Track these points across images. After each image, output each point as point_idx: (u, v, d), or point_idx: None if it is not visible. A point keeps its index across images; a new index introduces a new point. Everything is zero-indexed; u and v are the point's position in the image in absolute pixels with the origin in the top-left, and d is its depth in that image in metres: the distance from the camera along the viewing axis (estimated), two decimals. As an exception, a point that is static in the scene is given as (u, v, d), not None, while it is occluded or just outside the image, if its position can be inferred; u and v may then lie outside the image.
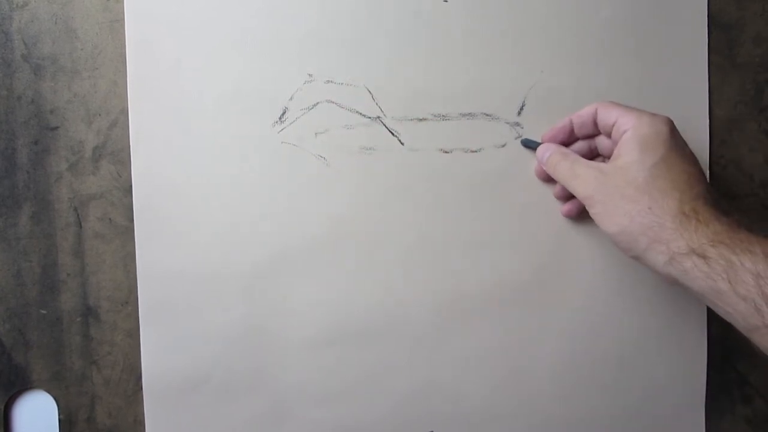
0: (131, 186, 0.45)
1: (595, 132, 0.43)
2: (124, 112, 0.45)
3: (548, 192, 0.46)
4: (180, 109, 0.45)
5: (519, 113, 0.46)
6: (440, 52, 0.46)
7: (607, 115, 0.41)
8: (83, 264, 0.46)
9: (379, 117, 0.46)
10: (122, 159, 0.45)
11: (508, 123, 0.46)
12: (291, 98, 0.45)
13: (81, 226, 0.46)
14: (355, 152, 0.46)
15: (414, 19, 0.45)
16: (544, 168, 0.44)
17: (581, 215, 0.46)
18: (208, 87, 0.45)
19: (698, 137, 0.47)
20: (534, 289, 0.47)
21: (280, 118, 0.45)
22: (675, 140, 0.38)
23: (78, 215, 0.46)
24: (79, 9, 0.45)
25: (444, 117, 0.46)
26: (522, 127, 0.46)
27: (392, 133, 0.46)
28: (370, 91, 0.45)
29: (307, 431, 0.47)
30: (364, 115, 0.46)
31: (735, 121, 0.48)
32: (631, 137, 0.38)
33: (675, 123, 0.46)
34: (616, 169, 0.38)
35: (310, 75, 0.45)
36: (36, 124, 0.45)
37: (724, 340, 0.48)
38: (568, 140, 0.44)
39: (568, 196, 0.45)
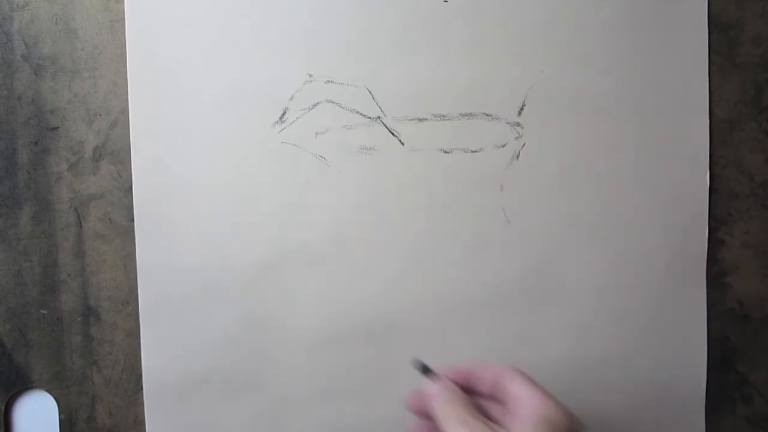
0: (131, 186, 0.45)
1: (490, 394, 0.38)
2: (125, 112, 0.45)
3: (547, 192, 0.46)
4: (180, 109, 0.45)
5: (519, 113, 0.46)
6: (440, 52, 0.46)
7: (514, 385, 0.36)
8: (84, 264, 0.46)
9: (379, 117, 0.46)
10: (122, 159, 0.45)
11: (508, 123, 0.46)
12: (291, 98, 0.45)
13: (81, 226, 0.46)
14: (355, 152, 0.46)
15: (414, 19, 0.45)
16: (430, 402, 0.37)
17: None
18: (209, 87, 0.45)
19: (698, 137, 0.47)
20: (534, 288, 0.47)
21: (280, 118, 0.45)
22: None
23: (78, 215, 0.46)
24: (79, 9, 0.45)
25: (444, 117, 0.46)
26: (522, 127, 0.46)
27: (392, 133, 0.46)
28: (370, 91, 0.46)
29: (308, 431, 0.47)
30: (365, 115, 0.46)
31: (735, 121, 0.48)
32: (539, 417, 0.34)
33: (675, 123, 0.46)
34: None
35: (311, 75, 0.45)
36: (36, 124, 0.45)
37: (724, 340, 0.48)
38: (462, 387, 0.38)
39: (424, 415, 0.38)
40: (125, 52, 0.45)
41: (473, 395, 0.38)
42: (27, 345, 0.46)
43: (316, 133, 0.46)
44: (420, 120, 0.46)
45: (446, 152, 0.46)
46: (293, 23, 0.45)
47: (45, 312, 0.46)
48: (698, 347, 0.48)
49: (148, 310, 0.45)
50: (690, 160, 0.47)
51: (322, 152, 0.46)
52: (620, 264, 0.47)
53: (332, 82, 0.45)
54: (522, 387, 0.36)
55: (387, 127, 0.46)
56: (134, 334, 0.46)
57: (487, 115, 0.46)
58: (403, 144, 0.46)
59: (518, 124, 0.46)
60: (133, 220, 0.45)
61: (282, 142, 0.45)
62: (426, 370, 0.39)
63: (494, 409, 0.38)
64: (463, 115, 0.46)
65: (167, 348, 0.45)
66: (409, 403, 0.40)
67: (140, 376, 0.46)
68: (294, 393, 0.46)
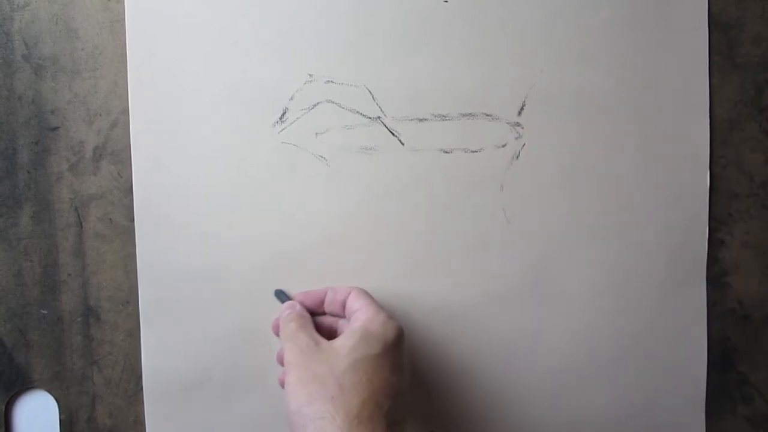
0: (132, 186, 0.45)
1: (340, 313, 0.43)
2: (125, 112, 0.45)
3: (547, 192, 0.46)
4: (180, 109, 0.45)
5: (519, 113, 0.46)
6: (440, 52, 0.46)
7: (354, 302, 0.41)
8: (84, 264, 0.46)
9: (379, 117, 0.46)
10: (123, 159, 0.45)
11: (508, 123, 0.46)
12: (291, 98, 0.45)
13: (81, 226, 0.46)
14: (355, 152, 0.46)
15: (414, 19, 0.45)
16: (280, 324, 0.42)
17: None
18: (209, 87, 0.45)
19: (698, 137, 0.47)
20: (533, 289, 0.47)
21: (280, 118, 0.45)
22: (395, 350, 0.38)
23: (79, 215, 0.46)
24: (79, 9, 0.45)
25: (444, 117, 0.46)
26: (522, 127, 0.46)
27: (392, 134, 0.46)
28: (370, 91, 0.46)
29: (308, 431, 0.47)
30: (365, 115, 0.46)
31: (735, 121, 0.48)
32: (359, 327, 0.38)
33: (675, 123, 0.46)
34: (329, 346, 0.38)
35: (311, 75, 0.45)
36: (36, 124, 0.45)
37: (724, 340, 0.48)
38: (316, 309, 0.44)
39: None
40: (125, 52, 0.45)
41: (326, 314, 0.44)
42: (27, 345, 0.46)
43: (316, 133, 0.46)
44: (420, 120, 0.46)
45: (446, 152, 0.46)
46: (293, 23, 0.45)
47: (45, 312, 0.46)
48: (698, 347, 0.48)
49: (148, 310, 0.45)
50: (690, 160, 0.47)
51: (322, 152, 0.46)
52: (620, 264, 0.47)
53: (332, 82, 0.45)
54: (358, 303, 0.41)
55: (387, 127, 0.46)
56: (134, 334, 0.46)
57: (488, 115, 0.46)
58: (403, 144, 0.46)
59: (518, 124, 0.46)
60: (133, 220, 0.45)
61: (282, 142, 0.45)
62: (282, 296, 0.45)
63: (342, 324, 0.43)
64: (464, 115, 0.46)
65: (167, 348, 0.45)
66: (273, 327, 0.44)
67: (140, 376, 0.46)
68: (294, 393, 0.46)
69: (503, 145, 0.46)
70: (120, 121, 0.45)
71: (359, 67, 0.45)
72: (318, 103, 0.45)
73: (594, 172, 0.47)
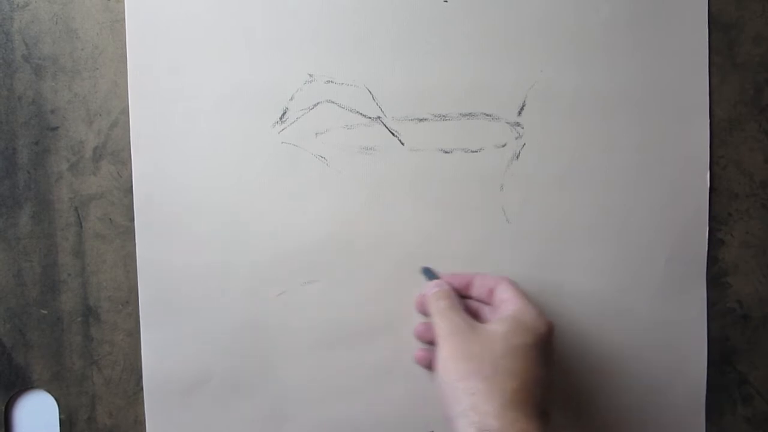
0: (132, 186, 0.45)
1: (487, 300, 0.43)
2: (125, 112, 0.45)
3: (547, 192, 0.46)
4: (180, 109, 0.45)
5: (519, 113, 0.46)
6: (440, 52, 0.46)
7: (504, 292, 0.42)
8: (84, 264, 0.46)
9: (379, 117, 0.46)
10: (123, 159, 0.45)
11: (508, 123, 0.46)
12: (291, 98, 0.45)
13: (81, 226, 0.46)
14: (355, 152, 0.46)
15: (414, 19, 0.45)
16: (426, 300, 0.43)
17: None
18: (209, 87, 0.45)
19: (698, 137, 0.47)
20: (534, 288, 0.47)
21: (280, 118, 0.45)
22: (546, 343, 0.39)
23: (78, 215, 0.46)
24: (79, 9, 0.45)
25: (444, 117, 0.46)
26: (522, 127, 0.46)
27: (392, 133, 0.46)
28: (370, 91, 0.46)
29: (307, 431, 0.47)
30: (365, 115, 0.46)
31: (735, 121, 0.48)
32: (510, 316, 0.39)
33: (675, 123, 0.46)
34: (484, 330, 0.39)
35: (311, 75, 0.45)
36: (36, 124, 0.45)
37: (724, 340, 0.48)
38: (461, 292, 0.44)
39: (427, 340, 0.44)
40: (125, 52, 0.45)
41: (471, 298, 0.44)
42: (27, 345, 0.46)
43: (316, 133, 0.46)
44: (420, 120, 0.46)
45: (446, 152, 0.46)
46: (293, 23, 0.45)
47: (45, 312, 0.46)
48: (698, 347, 0.48)
49: (148, 310, 0.45)
50: (690, 160, 0.47)
51: (322, 152, 0.46)
52: (620, 264, 0.47)
53: (332, 82, 0.45)
54: (508, 293, 0.42)
55: (387, 127, 0.46)
56: (134, 334, 0.46)
57: (487, 115, 0.46)
58: (403, 144, 0.46)
59: (518, 124, 0.46)
60: (133, 220, 0.45)
61: (282, 142, 0.45)
62: (429, 274, 0.45)
63: (487, 311, 0.44)
64: (463, 115, 0.46)
65: (167, 348, 0.45)
66: (417, 302, 0.45)
67: (140, 376, 0.46)
68: (294, 393, 0.46)
69: (503, 145, 0.46)
70: (120, 121, 0.45)
71: (359, 67, 0.45)
72: (318, 103, 0.45)
73: (594, 171, 0.47)
